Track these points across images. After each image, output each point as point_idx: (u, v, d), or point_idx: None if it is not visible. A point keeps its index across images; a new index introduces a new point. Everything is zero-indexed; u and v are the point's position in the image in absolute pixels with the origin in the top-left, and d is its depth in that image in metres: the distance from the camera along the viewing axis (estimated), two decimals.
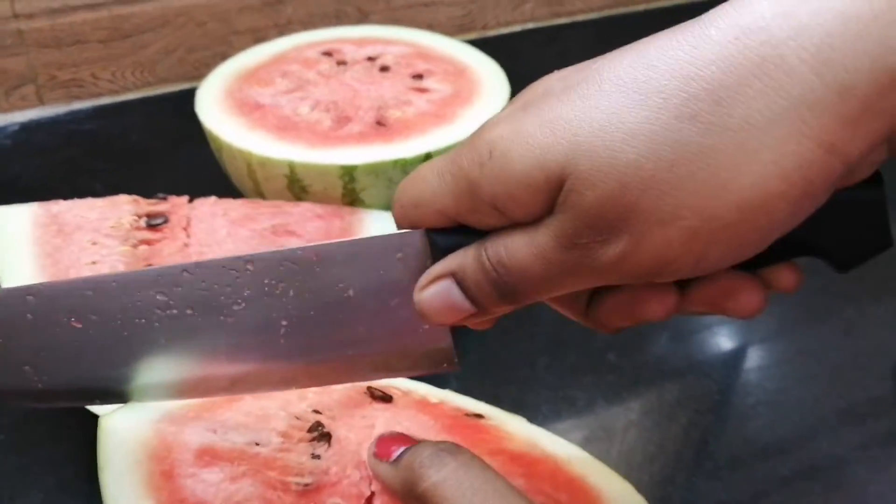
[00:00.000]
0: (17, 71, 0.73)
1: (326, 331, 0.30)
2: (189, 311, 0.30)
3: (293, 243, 0.47)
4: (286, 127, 0.50)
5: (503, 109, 0.27)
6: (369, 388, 0.38)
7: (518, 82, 0.57)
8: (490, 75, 0.56)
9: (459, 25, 0.87)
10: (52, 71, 0.74)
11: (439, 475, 0.28)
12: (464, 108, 0.52)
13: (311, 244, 0.29)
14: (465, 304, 0.27)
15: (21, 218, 0.45)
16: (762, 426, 0.46)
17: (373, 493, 0.32)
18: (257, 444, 0.32)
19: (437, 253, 0.28)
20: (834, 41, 0.21)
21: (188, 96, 0.56)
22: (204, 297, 0.30)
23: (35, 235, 0.44)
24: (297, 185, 0.48)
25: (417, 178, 0.27)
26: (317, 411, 0.35)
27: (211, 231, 0.47)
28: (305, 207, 0.49)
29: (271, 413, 0.35)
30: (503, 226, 0.26)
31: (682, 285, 0.27)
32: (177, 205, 0.48)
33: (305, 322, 0.30)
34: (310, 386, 0.31)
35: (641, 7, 0.95)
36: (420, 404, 0.38)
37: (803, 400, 0.47)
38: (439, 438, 0.34)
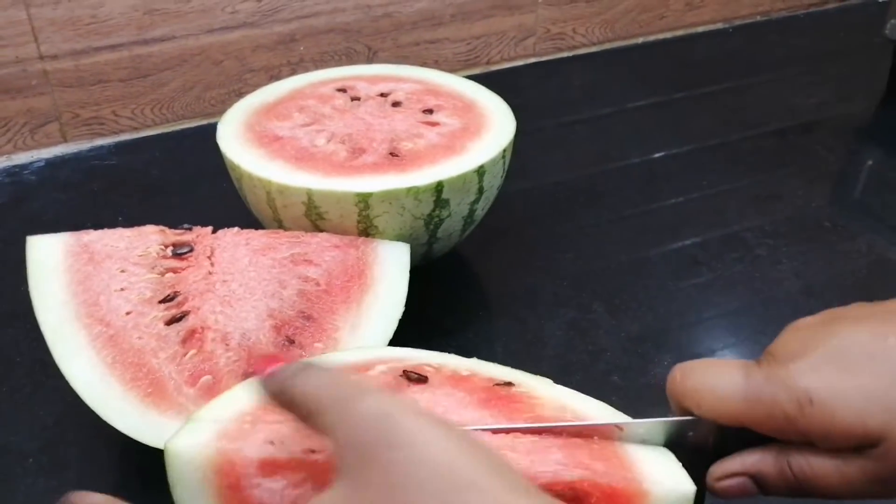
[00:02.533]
0: (41, 109, 0.76)
1: None
2: None
3: (311, 272, 0.49)
4: (304, 157, 0.52)
5: (813, 350, 0.32)
6: (405, 371, 0.40)
7: (522, 114, 0.59)
8: (497, 110, 0.59)
9: (465, 61, 0.90)
10: (76, 109, 0.77)
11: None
12: (472, 140, 0.55)
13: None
14: (756, 491, 0.34)
15: (53, 247, 0.47)
16: None
17: None
18: (313, 452, 0.34)
19: (722, 439, 0.33)
20: None
21: (205, 132, 0.58)
22: None
23: (67, 263, 0.47)
24: (314, 212, 0.51)
25: (716, 383, 0.33)
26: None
27: (233, 260, 0.49)
28: (323, 237, 0.51)
29: None
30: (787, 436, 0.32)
31: None
32: (201, 235, 0.50)
33: None
34: None
35: (640, 40, 0.98)
36: (454, 380, 0.40)
37: None
38: (477, 413, 0.36)
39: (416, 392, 0.38)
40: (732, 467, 0.34)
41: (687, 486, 0.34)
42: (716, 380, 0.33)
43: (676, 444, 0.36)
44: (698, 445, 0.35)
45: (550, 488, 0.33)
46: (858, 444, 0.30)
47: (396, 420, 0.27)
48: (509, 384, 0.40)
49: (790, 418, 0.31)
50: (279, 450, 0.34)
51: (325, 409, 0.29)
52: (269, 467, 0.33)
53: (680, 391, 0.35)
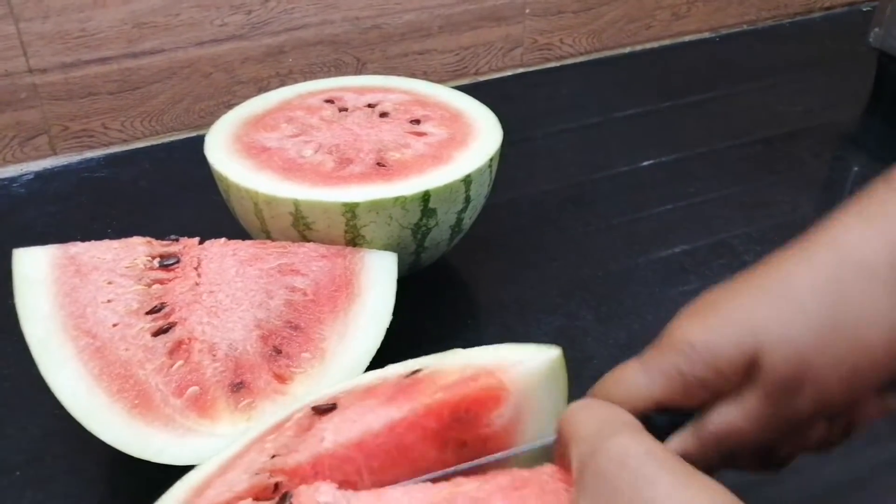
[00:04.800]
0: (31, 122, 0.76)
1: None
2: None
3: (298, 282, 0.49)
4: (291, 168, 0.53)
5: (681, 318, 0.35)
6: (313, 408, 0.39)
7: (510, 124, 0.60)
8: (483, 120, 0.59)
9: (453, 71, 0.90)
10: (65, 122, 0.77)
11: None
12: (459, 150, 0.55)
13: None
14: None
15: (40, 259, 0.47)
16: None
17: None
18: None
19: (652, 431, 0.33)
20: None
21: (194, 144, 0.58)
22: None
23: (54, 276, 0.47)
24: (301, 223, 0.51)
25: (620, 381, 0.35)
26: (275, 473, 0.37)
27: (220, 271, 0.49)
28: (310, 247, 0.51)
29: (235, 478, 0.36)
30: (706, 401, 0.34)
31: None
32: (188, 246, 0.50)
33: None
34: None
35: (627, 49, 0.99)
36: (362, 394, 0.40)
37: None
38: (381, 412, 0.37)
39: (325, 422, 0.38)
40: None
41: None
42: (618, 375, 0.35)
43: None
44: None
45: None
46: (746, 371, 0.33)
47: (636, 467, 0.29)
48: (416, 372, 0.40)
49: (683, 371, 0.33)
50: None
51: (579, 440, 0.32)
52: None
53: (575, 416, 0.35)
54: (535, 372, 0.39)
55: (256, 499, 0.35)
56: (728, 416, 0.33)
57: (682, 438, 0.34)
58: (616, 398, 0.35)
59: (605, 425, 0.32)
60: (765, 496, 0.44)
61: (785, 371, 0.32)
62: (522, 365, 0.39)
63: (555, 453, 0.35)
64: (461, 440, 0.38)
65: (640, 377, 0.35)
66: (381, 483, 0.37)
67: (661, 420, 0.35)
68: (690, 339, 0.34)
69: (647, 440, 0.30)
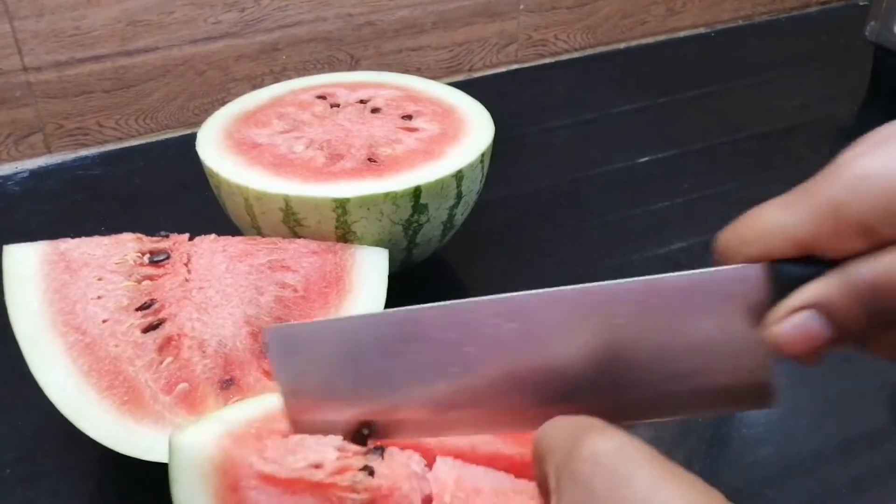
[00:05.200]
0: (25, 121, 0.76)
1: (654, 365, 0.30)
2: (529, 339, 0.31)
3: (289, 278, 0.49)
4: (282, 164, 0.52)
5: (855, 147, 0.28)
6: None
7: (505, 120, 0.60)
8: (475, 115, 0.59)
9: (447, 68, 0.90)
10: (59, 120, 0.77)
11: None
12: (451, 145, 0.55)
13: (644, 279, 0.31)
14: (825, 331, 0.28)
15: (30, 256, 0.47)
16: (762, 457, 0.46)
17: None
18: (316, 467, 0.34)
19: (781, 286, 0.28)
20: None
21: (189, 141, 0.58)
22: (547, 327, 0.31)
23: (44, 272, 0.47)
24: (292, 219, 0.51)
25: (754, 217, 0.29)
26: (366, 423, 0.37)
27: (210, 267, 0.49)
28: (301, 243, 0.51)
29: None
30: (863, 251, 0.27)
31: None
32: (178, 242, 0.50)
33: (634, 354, 0.31)
34: (621, 421, 0.31)
35: (622, 45, 0.99)
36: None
37: (802, 430, 0.48)
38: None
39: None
40: (793, 302, 0.28)
41: None
42: (755, 211, 0.30)
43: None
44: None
45: None
46: None
47: (610, 465, 0.27)
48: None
49: (841, 206, 0.27)
50: (282, 465, 0.34)
51: (553, 452, 0.30)
52: (270, 479, 0.33)
53: (732, 251, 0.30)
54: None
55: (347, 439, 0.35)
56: (893, 268, 0.26)
57: (824, 284, 0.28)
58: (748, 234, 0.29)
59: (576, 429, 0.30)
60: (765, 497, 0.44)
61: None
62: None
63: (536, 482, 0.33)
64: None
65: (781, 213, 0.28)
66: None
67: (791, 271, 0.28)
68: (864, 169, 0.27)
69: (619, 436, 0.28)
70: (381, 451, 0.35)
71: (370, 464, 0.34)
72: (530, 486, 0.34)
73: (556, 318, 0.31)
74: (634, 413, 0.32)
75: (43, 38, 0.73)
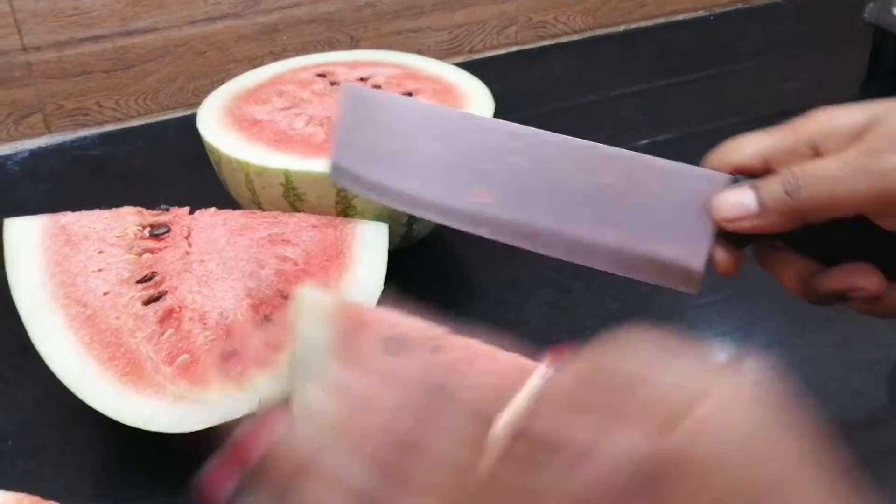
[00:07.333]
0: (25, 101, 0.76)
1: (621, 219, 0.38)
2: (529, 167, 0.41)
3: (289, 251, 0.49)
4: (282, 140, 0.53)
5: None
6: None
7: (505, 102, 0.60)
8: (475, 92, 0.59)
9: (447, 49, 0.90)
10: (59, 100, 0.77)
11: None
12: None
13: (638, 154, 0.38)
14: (753, 205, 0.34)
15: (31, 229, 0.47)
16: None
17: None
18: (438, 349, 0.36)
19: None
20: None
21: (189, 122, 0.59)
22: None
23: (45, 245, 0.47)
24: (292, 194, 0.51)
25: (738, 138, 0.37)
26: None
27: (211, 240, 0.49)
28: (301, 217, 0.51)
29: None
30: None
31: None
32: (178, 215, 0.50)
33: (600, 203, 0.39)
34: (576, 261, 0.40)
35: (621, 28, 0.98)
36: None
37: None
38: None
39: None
40: (738, 185, 0.36)
41: None
42: (742, 136, 0.37)
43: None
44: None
45: None
46: (857, 134, 0.33)
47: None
48: None
49: (798, 126, 0.35)
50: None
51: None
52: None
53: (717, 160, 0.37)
54: None
55: None
56: (820, 163, 0.33)
57: (767, 184, 0.35)
58: (729, 148, 0.36)
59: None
60: None
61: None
62: None
63: None
64: None
65: (757, 136, 0.36)
66: None
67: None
68: (826, 110, 0.35)
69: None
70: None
71: None
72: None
73: (566, 160, 0.41)
74: (588, 255, 0.40)
75: (42, 18, 0.73)
